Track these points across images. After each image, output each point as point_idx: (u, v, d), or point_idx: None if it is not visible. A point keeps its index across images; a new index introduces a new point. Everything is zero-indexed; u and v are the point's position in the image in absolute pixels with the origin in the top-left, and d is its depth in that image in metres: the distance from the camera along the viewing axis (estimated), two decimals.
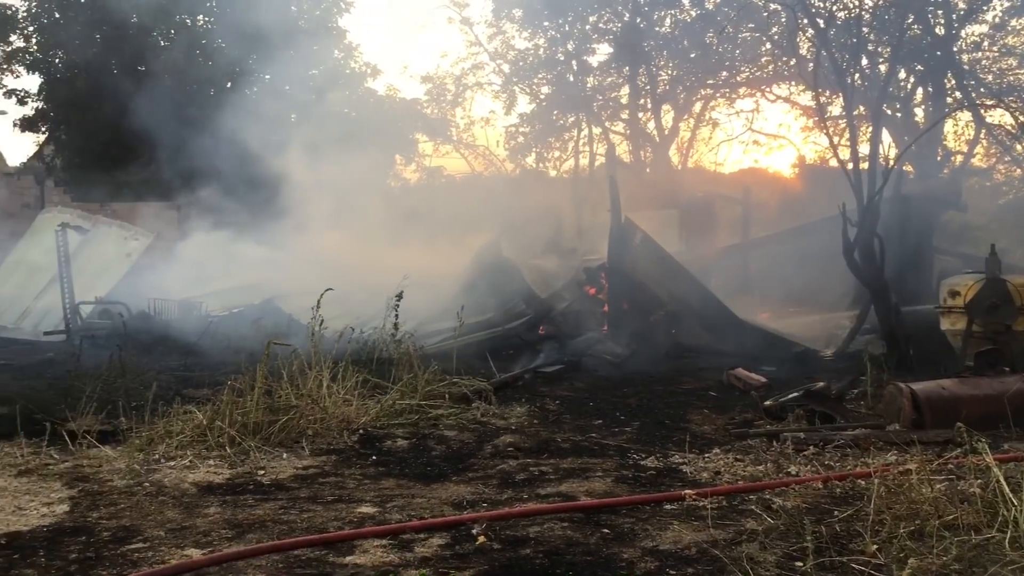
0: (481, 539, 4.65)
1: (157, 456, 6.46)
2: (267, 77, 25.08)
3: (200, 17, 25.24)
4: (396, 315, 9.36)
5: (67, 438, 6.80)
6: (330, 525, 4.97)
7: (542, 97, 30.08)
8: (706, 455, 6.56)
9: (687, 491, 5.43)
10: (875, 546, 4.31)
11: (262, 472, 6.15)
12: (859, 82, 15.04)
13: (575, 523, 4.97)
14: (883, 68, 17.03)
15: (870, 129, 12.39)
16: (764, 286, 15.53)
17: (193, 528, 4.90)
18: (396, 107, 28.81)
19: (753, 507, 5.14)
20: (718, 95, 28.42)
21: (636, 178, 26.22)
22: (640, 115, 28.91)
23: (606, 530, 4.85)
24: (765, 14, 20.50)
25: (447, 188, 29.28)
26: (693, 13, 26.17)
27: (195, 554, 4.49)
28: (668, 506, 5.27)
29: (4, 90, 26.02)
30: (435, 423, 7.67)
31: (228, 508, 5.30)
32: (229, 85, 23.75)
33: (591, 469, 6.23)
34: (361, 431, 7.26)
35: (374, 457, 6.66)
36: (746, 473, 6.01)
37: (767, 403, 7.93)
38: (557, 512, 5.13)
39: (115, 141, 22.11)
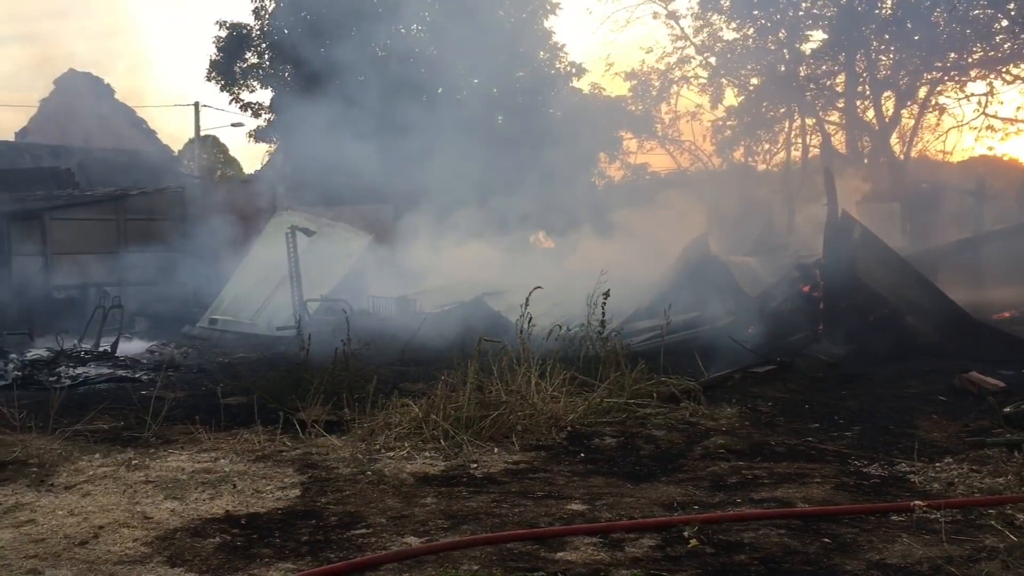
0: (693, 542, 4.55)
1: (378, 446, 6.78)
2: (475, 81, 25.86)
3: (415, 27, 26.35)
4: (603, 313, 9.36)
5: (298, 427, 7.30)
6: (541, 520, 5.03)
7: (751, 89, 29.21)
8: (937, 464, 6.10)
9: (917, 502, 5.07)
10: None
11: (474, 465, 6.32)
12: None
13: (793, 531, 4.76)
14: None
15: None
16: (1002, 283, 14.29)
17: (412, 517, 5.11)
18: (600, 105, 28.87)
19: (993, 522, 4.73)
20: (946, 78, 26.48)
21: (853, 169, 24.91)
22: (858, 103, 27.43)
23: (827, 539, 4.62)
24: None
25: (651, 184, 29.01)
26: None
27: (414, 542, 4.67)
28: (895, 517, 4.95)
29: (240, 104, 28.41)
30: (643, 422, 7.60)
31: (443, 499, 5.48)
32: (440, 91, 24.66)
33: (808, 475, 5.95)
34: (569, 428, 7.31)
35: (582, 454, 6.68)
36: (983, 485, 5.54)
37: (1007, 410, 7.27)
38: (773, 518, 4.94)
39: (337, 147, 23.49)
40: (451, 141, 21.74)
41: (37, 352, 11.54)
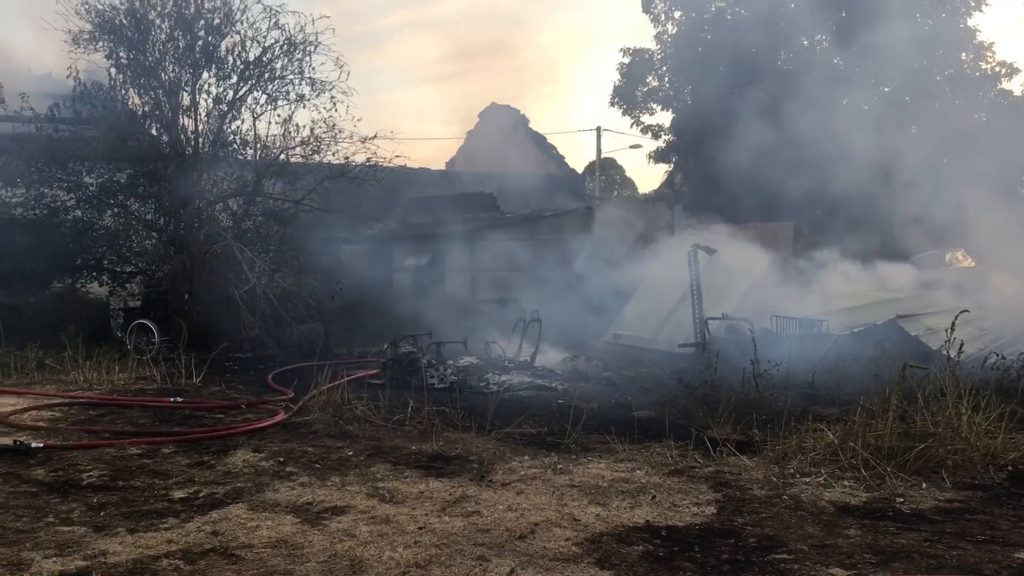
0: None
1: (791, 470, 6.63)
2: (886, 89, 24.30)
3: (818, 37, 25.47)
4: None
5: (708, 444, 7.37)
6: (984, 567, 4.60)
7: None
8: None
9: None
10: None
11: (900, 500, 5.94)
12: None
13: None
14: None
15: None
16: None
17: (835, 547, 4.93)
18: None
19: None
20: None
21: None
22: None
23: None
24: None
25: None
26: None
27: (840, 574, 4.50)
28: None
29: (641, 126, 29.41)
30: None
31: (868, 532, 5.21)
32: (845, 102, 23.51)
33: None
34: (1010, 468, 6.60)
35: None
36: None
37: None
38: None
39: (735, 166, 23.42)
40: (856, 155, 20.61)
41: (468, 359, 12.87)
